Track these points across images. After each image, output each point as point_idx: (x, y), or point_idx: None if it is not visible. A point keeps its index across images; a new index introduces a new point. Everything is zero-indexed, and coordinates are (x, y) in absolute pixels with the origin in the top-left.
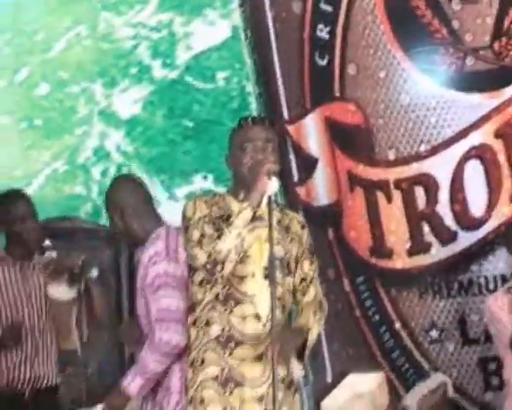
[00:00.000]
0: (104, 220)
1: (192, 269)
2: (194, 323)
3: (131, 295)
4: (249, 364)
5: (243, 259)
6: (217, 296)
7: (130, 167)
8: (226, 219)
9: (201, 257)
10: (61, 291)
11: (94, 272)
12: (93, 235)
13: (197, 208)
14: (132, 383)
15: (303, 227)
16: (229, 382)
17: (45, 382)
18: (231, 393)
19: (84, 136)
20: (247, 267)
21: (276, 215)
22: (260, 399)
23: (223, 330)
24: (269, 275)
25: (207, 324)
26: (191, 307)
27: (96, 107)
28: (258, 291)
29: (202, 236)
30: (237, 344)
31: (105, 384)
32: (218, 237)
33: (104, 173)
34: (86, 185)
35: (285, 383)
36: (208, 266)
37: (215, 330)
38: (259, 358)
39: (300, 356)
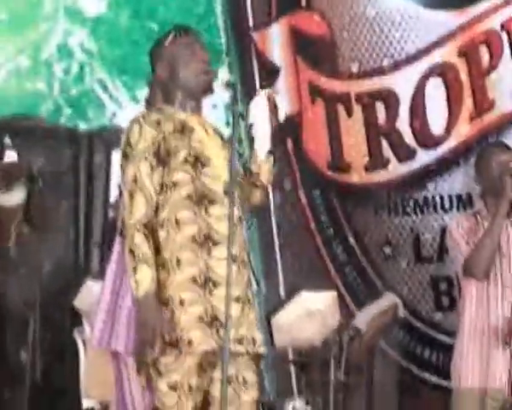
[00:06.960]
0: (64, 119)
1: None
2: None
3: (89, 197)
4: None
5: (205, 162)
6: (189, 196)
7: (93, 66)
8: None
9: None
10: (5, 197)
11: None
12: (52, 134)
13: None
14: None
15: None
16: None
17: None
18: (211, 292)
19: (48, 32)
20: (212, 170)
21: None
22: (237, 299)
23: (200, 229)
24: (228, 191)
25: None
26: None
27: (62, 3)
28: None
29: None
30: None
31: (59, 285)
32: None
33: (66, 71)
34: (48, 83)
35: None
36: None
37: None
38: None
39: None
